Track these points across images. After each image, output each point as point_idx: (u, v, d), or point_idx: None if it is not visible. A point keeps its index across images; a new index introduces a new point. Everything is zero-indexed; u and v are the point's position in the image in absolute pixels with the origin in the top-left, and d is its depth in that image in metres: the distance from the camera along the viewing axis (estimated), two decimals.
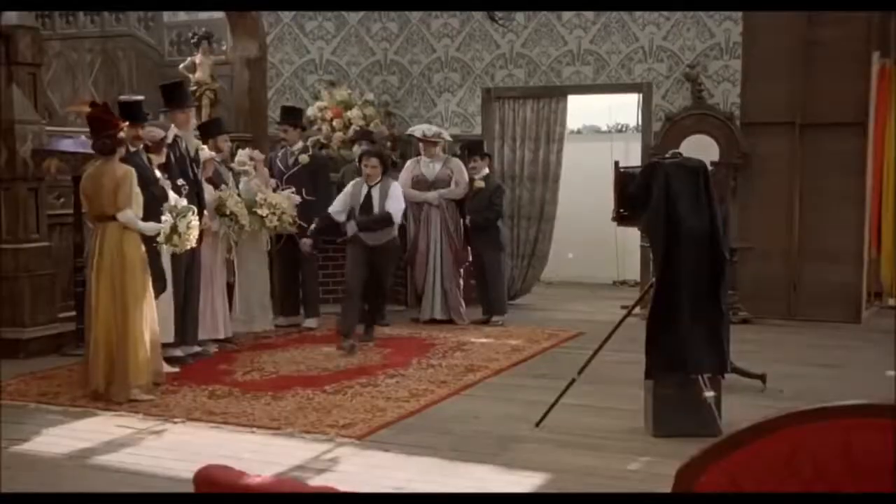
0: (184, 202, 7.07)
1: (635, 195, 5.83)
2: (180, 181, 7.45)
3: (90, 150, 8.16)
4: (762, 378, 6.79)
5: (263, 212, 8.64)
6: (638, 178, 5.88)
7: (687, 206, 5.63)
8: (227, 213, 8.24)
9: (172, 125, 7.72)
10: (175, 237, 6.75)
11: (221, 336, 8.38)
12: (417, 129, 10.00)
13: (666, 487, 2.06)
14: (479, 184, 9.71)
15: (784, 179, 9.67)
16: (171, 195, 7.08)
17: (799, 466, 1.87)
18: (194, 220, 6.86)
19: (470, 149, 9.92)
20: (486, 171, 9.87)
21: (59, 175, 8.41)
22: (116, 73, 11.49)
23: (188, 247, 6.93)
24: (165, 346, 7.30)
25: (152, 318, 6.74)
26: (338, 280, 10.98)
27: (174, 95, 7.89)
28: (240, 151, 9.21)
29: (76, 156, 8.18)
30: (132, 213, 6.62)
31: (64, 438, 5.87)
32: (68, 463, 5.43)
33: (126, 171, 6.65)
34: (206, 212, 7.76)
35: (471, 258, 9.87)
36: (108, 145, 6.67)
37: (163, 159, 7.33)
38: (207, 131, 8.70)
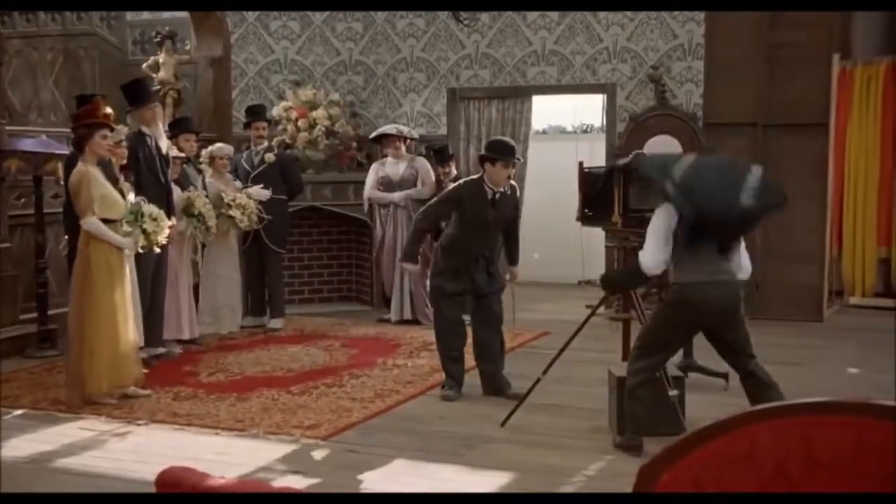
0: (133, 198, 6.90)
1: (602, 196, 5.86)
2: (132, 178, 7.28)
3: (51, 150, 8.10)
4: (725, 377, 6.83)
5: (235, 213, 8.62)
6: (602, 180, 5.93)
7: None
8: (196, 213, 8.17)
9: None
10: (148, 237, 6.61)
11: (185, 337, 8.32)
12: (391, 128, 9.96)
13: (630, 486, 2.07)
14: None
15: None
16: (130, 197, 6.91)
17: (759, 463, 1.89)
18: (152, 211, 6.67)
19: (440, 155, 9.85)
20: (455, 172, 9.88)
21: (19, 175, 8.31)
22: (78, 72, 11.35)
23: (164, 236, 6.74)
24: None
25: (124, 324, 6.61)
26: (304, 280, 10.96)
27: (137, 93, 7.75)
28: (209, 147, 9.19)
29: (37, 156, 8.09)
30: (95, 220, 6.46)
31: (25, 441, 5.80)
32: (30, 466, 5.36)
33: (79, 177, 6.50)
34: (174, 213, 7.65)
35: None
36: (76, 141, 6.62)
37: (124, 160, 7.23)
38: (172, 130, 8.66)
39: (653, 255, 5.21)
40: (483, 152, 6.77)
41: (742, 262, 5.35)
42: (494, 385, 6.78)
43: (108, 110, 6.78)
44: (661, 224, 5.17)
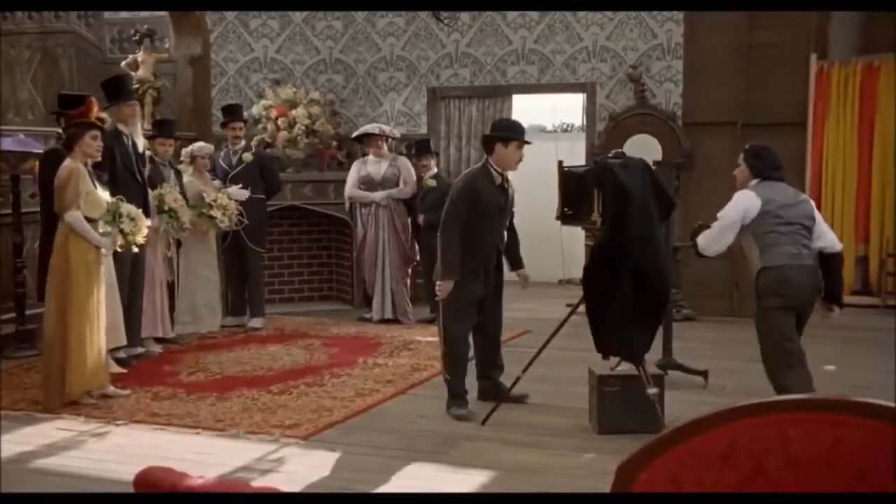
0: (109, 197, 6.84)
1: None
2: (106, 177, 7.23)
3: (29, 149, 8.04)
4: (704, 374, 6.87)
5: (216, 213, 8.60)
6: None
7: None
8: (166, 209, 8.12)
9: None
10: (126, 237, 6.58)
11: (161, 334, 8.29)
12: (374, 127, 9.95)
13: (610, 485, 2.07)
14: (431, 183, 9.70)
15: (726, 179, 9.64)
16: (106, 195, 6.85)
17: (738, 461, 1.89)
18: (131, 211, 6.63)
19: (419, 148, 9.90)
20: (435, 169, 9.88)
21: None
22: (56, 70, 11.27)
23: (142, 236, 6.70)
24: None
25: (99, 324, 6.59)
26: (284, 280, 10.95)
27: (117, 89, 7.69)
28: (190, 147, 9.16)
29: (15, 155, 8.03)
30: (79, 214, 6.45)
31: (4, 443, 5.75)
32: (8, 468, 5.32)
33: (69, 171, 6.47)
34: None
35: (419, 257, 9.88)
36: (66, 140, 6.60)
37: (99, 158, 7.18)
38: (153, 130, 8.63)
39: (715, 240, 5.62)
40: (495, 132, 6.25)
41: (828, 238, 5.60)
42: (500, 390, 6.38)
43: (102, 115, 6.77)
44: (734, 213, 5.59)
